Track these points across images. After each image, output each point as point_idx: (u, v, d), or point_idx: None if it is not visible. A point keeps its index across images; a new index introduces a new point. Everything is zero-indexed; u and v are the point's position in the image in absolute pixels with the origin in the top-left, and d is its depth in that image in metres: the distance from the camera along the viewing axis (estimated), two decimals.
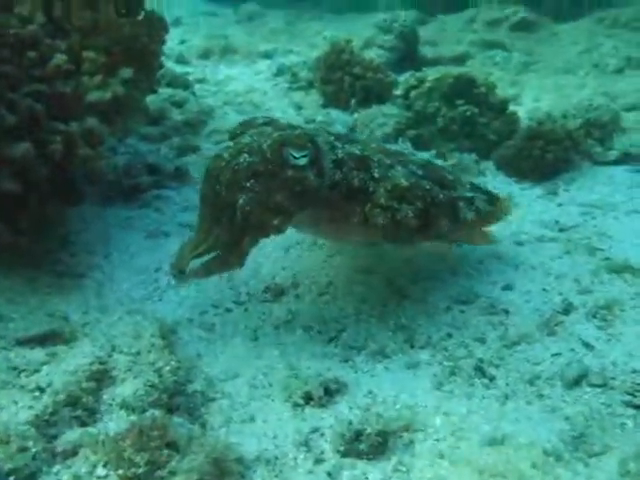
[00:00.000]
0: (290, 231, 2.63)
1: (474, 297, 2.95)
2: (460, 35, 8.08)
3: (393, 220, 2.55)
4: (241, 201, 2.35)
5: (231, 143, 2.56)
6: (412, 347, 2.67)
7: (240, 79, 6.21)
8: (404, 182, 2.62)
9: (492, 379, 2.48)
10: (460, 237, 3.02)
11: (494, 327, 2.77)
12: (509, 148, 4.52)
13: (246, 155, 2.40)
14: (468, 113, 4.73)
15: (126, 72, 2.97)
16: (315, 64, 5.79)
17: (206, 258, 2.41)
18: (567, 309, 2.87)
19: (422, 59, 6.99)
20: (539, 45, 7.82)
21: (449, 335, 2.73)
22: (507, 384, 2.45)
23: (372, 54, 6.25)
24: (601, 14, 8.36)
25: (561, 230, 3.57)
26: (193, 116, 4.79)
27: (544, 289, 3.02)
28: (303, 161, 2.42)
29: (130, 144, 4.41)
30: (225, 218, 2.38)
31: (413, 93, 5.20)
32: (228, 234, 2.38)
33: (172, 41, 7.29)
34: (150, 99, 4.73)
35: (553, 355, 2.61)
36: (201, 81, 5.88)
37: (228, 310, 2.87)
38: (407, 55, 6.88)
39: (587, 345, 2.66)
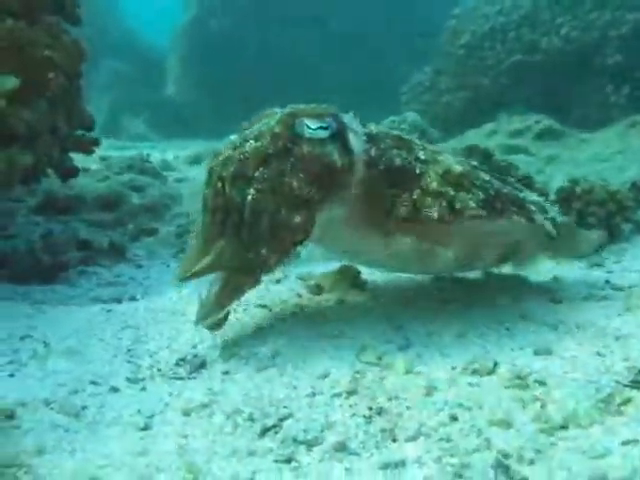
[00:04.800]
0: None
1: (491, 365, 1.94)
2: (480, 143, 7.45)
3: (451, 209, 1.94)
4: (249, 197, 1.84)
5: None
6: (394, 440, 1.65)
7: None
8: (458, 167, 2.05)
9: None
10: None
11: (524, 404, 1.74)
12: None
13: (252, 141, 1.92)
14: None
15: (9, 81, 2.21)
16: None
17: (214, 290, 1.92)
18: (638, 380, 1.84)
19: None
20: (567, 150, 7.12)
21: (453, 417, 1.70)
22: None
23: None
24: (634, 118, 7.68)
25: (615, 289, 2.55)
26: (155, 200, 4.01)
27: (598, 353, 1.99)
28: (322, 133, 1.90)
29: (73, 227, 3.65)
30: (230, 225, 1.87)
31: None
32: (235, 246, 1.86)
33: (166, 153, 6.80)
34: (104, 183, 4.06)
35: (624, 443, 1.55)
36: (181, 180, 5.16)
37: (114, 389, 1.89)
38: None
39: None
